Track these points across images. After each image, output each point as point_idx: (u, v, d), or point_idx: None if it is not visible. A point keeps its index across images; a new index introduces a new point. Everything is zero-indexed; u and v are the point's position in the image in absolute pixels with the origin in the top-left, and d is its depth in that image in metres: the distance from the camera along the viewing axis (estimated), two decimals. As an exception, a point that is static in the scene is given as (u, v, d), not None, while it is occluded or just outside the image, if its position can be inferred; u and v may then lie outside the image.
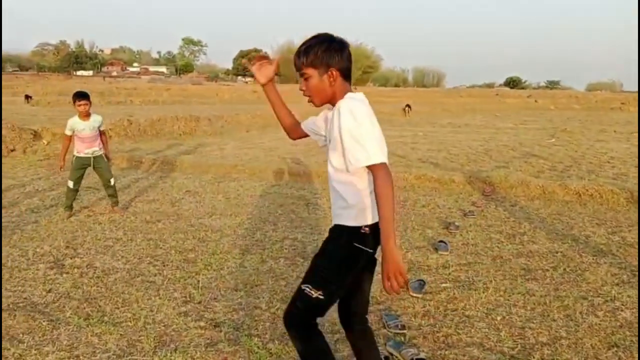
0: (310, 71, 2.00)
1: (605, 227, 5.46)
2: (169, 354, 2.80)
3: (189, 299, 3.52)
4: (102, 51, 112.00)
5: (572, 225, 5.56)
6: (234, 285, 3.80)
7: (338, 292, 2.04)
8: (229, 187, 7.48)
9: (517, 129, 17.06)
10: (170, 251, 4.58)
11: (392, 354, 2.82)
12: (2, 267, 4.08)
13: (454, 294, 3.70)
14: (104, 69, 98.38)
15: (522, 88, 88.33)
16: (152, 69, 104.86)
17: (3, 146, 9.95)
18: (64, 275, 3.96)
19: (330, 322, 3.05)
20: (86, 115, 5.57)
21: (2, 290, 3.64)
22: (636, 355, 2.85)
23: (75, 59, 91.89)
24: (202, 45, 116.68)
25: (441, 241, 4.79)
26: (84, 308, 3.37)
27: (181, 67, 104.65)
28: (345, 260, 1.97)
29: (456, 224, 5.43)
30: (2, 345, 2.86)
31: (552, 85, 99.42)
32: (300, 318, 2.04)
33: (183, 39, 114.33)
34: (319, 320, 2.07)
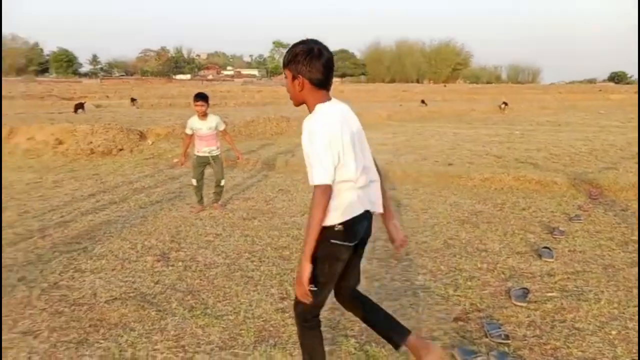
0: (286, 72, 2.20)
1: None
2: (268, 349, 2.87)
3: (285, 296, 3.59)
4: (199, 56, 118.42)
5: (697, 233, 5.01)
6: (329, 285, 3.81)
7: (329, 284, 2.25)
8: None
9: (625, 127, 15.72)
10: (266, 248, 4.71)
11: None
12: (115, 258, 4.41)
13: (562, 304, 3.45)
14: (201, 72, 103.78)
15: (628, 83, 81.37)
16: (244, 72, 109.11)
17: (113, 146, 10.79)
18: (170, 267, 4.20)
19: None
20: (203, 115, 5.88)
21: (115, 280, 3.93)
22: None
23: (175, 64, 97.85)
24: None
25: (545, 247, 4.50)
26: (188, 300, 3.55)
27: (272, 69, 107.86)
28: (328, 256, 2.17)
29: (561, 229, 5.08)
30: (116, 332, 3.07)
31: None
32: (301, 309, 2.29)
33: (273, 42, 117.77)
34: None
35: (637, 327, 3.12)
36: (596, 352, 2.83)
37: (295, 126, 15.37)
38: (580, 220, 5.51)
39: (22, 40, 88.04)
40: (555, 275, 3.98)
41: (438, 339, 3.02)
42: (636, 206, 6.12)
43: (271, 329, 3.13)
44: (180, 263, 4.30)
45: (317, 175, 2.06)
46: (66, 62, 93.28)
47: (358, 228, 2.21)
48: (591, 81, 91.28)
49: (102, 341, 2.94)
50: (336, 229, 2.14)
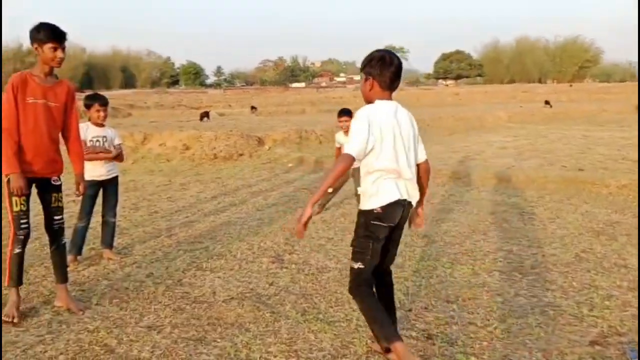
0: (362, 75, 2.65)
1: None
2: (381, 362, 2.75)
3: (399, 306, 3.44)
4: (313, 64, 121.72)
5: None
6: (445, 297, 3.60)
7: (372, 259, 2.60)
8: (434, 192, 7.27)
9: None
10: (379, 255, 4.59)
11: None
12: (233, 258, 4.57)
13: None
14: (315, 80, 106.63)
15: None
16: (356, 78, 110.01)
17: (234, 151, 11.38)
18: (284, 270, 4.25)
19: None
20: (347, 131, 5.85)
21: (233, 280, 4.06)
22: None
23: (291, 73, 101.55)
24: (404, 52, 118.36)
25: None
26: (301, 303, 3.55)
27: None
28: (368, 236, 2.57)
29: None
30: (232, 332, 3.15)
31: None
32: (352, 285, 2.67)
33: (386, 47, 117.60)
34: None
35: None
36: None
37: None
38: None
39: (156, 55, 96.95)
40: None
41: (572, 364, 2.69)
42: None
43: (384, 339, 3.00)
44: (293, 266, 4.34)
45: (348, 146, 2.45)
46: (194, 74, 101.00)
47: (394, 212, 2.55)
48: None
49: (218, 340, 3.03)
50: (375, 212, 2.52)
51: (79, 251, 4.52)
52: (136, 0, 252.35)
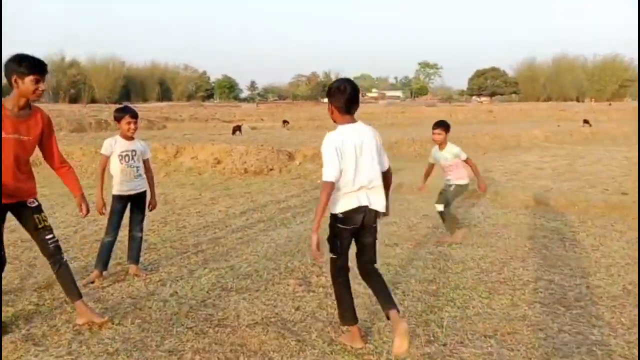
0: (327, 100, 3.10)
1: None
2: (413, 402, 2.55)
3: (432, 339, 3.24)
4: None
5: None
6: (483, 330, 3.37)
7: (341, 251, 3.12)
8: (469, 213, 7.01)
9: None
10: (410, 280, 4.39)
11: None
12: (260, 279, 4.43)
13: None
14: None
15: None
16: (388, 93, 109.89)
17: (264, 165, 11.32)
18: (311, 293, 4.09)
19: None
20: (442, 143, 5.61)
21: (258, 302, 3.91)
22: None
23: (323, 87, 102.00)
24: (437, 68, 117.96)
25: None
26: (328, 332, 3.38)
27: (416, 90, 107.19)
28: (335, 235, 3.11)
29: None
30: None
31: None
32: (331, 272, 3.22)
33: (419, 63, 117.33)
34: None
35: None
36: None
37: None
38: None
39: (192, 69, 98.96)
40: None
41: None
42: None
43: (416, 376, 2.80)
44: (321, 289, 4.18)
45: (324, 174, 2.95)
46: (228, 88, 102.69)
47: (355, 217, 3.04)
48: None
49: (241, 368, 2.88)
50: (339, 216, 3.03)
51: (104, 266, 4.47)
52: (175, 17, 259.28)
